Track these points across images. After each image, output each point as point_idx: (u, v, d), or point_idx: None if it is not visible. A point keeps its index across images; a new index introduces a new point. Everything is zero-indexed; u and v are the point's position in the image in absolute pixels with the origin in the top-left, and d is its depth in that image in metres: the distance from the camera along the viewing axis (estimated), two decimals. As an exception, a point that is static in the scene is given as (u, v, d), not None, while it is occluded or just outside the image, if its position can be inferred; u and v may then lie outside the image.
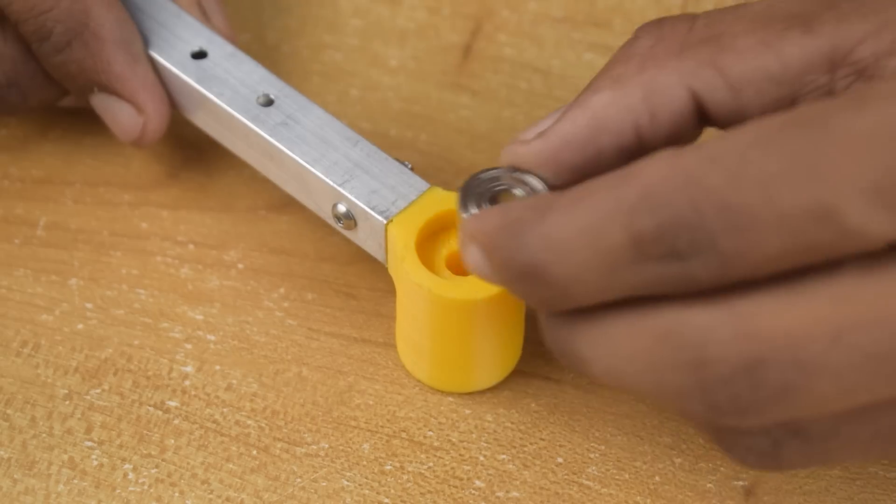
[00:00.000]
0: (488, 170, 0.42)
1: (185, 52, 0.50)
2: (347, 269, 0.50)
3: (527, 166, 0.41)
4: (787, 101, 0.39)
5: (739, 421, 0.36)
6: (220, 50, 0.50)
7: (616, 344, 0.37)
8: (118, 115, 0.50)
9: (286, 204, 0.51)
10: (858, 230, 0.34)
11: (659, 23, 0.40)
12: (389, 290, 0.49)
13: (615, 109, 0.39)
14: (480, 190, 0.42)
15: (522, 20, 0.56)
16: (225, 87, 0.49)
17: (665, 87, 0.39)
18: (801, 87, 0.39)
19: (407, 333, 0.46)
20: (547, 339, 0.39)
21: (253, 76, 0.49)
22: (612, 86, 0.40)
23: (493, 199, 0.42)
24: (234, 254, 0.51)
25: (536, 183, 0.41)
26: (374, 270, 0.50)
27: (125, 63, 0.49)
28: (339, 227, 0.47)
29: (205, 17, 0.52)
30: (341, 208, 0.46)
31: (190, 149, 0.53)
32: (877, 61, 0.38)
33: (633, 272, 0.36)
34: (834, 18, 0.38)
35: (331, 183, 0.46)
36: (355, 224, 0.46)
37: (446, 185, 0.52)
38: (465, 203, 0.42)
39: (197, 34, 0.50)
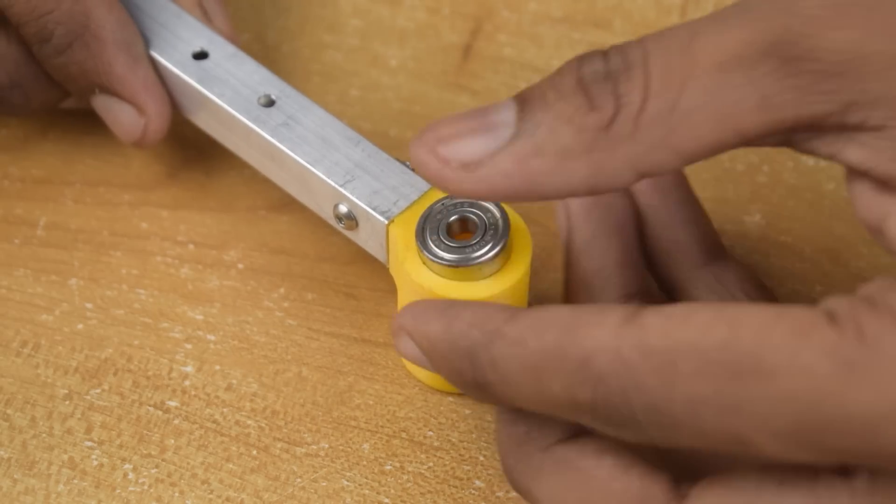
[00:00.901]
0: (444, 199, 0.45)
1: (187, 53, 0.50)
2: (347, 269, 0.50)
3: (451, 193, 0.40)
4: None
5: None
6: (222, 50, 0.50)
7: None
8: (119, 116, 0.50)
9: (286, 204, 0.51)
10: (774, 458, 0.35)
11: (615, 87, 0.39)
12: (389, 290, 0.49)
13: (554, 183, 0.38)
14: (437, 219, 0.44)
15: (522, 20, 0.56)
16: (226, 87, 0.49)
17: (612, 170, 0.38)
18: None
19: None
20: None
21: (254, 77, 0.49)
22: (556, 158, 0.38)
23: (449, 227, 0.44)
24: (234, 254, 0.51)
25: (492, 207, 0.44)
26: (374, 270, 0.50)
27: (126, 64, 0.49)
28: (340, 227, 0.47)
29: (206, 18, 0.52)
30: (342, 209, 0.46)
31: (190, 149, 0.53)
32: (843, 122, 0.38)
33: (567, 414, 0.37)
34: (795, 93, 0.37)
35: (332, 183, 0.46)
36: (356, 224, 0.46)
37: (446, 185, 0.52)
38: (422, 236, 0.44)
39: (198, 35, 0.50)
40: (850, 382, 0.33)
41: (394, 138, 0.53)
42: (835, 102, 0.36)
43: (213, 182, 0.52)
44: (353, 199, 0.46)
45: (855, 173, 0.38)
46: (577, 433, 0.40)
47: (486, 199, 0.39)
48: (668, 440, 0.36)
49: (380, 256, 0.47)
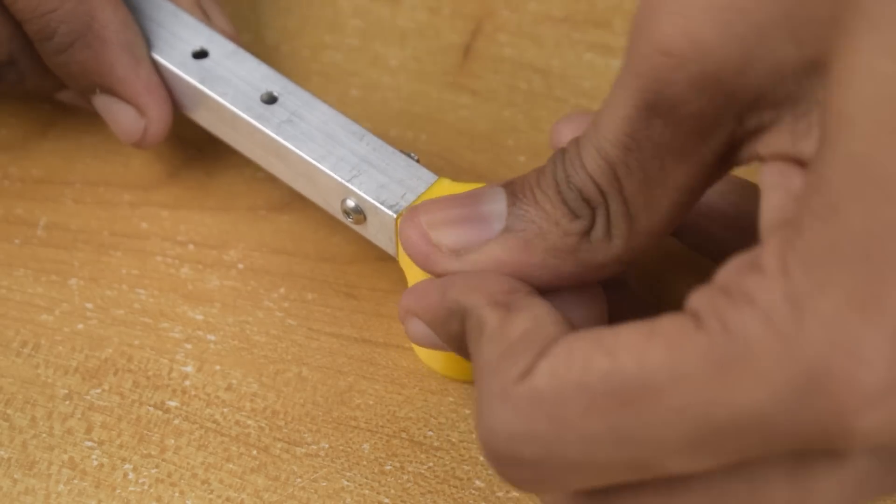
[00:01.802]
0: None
1: (186, 52, 0.50)
2: (347, 269, 0.50)
3: (432, 274, 0.42)
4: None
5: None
6: (221, 48, 0.50)
7: None
8: (120, 117, 0.50)
9: (286, 204, 0.51)
10: (681, 472, 0.35)
11: (587, 201, 0.40)
12: (389, 290, 0.49)
13: (542, 276, 0.41)
14: None
15: (522, 20, 0.56)
16: (228, 86, 0.49)
17: (597, 266, 0.40)
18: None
19: None
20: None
21: (255, 74, 0.49)
22: (545, 255, 0.40)
23: None
24: (234, 254, 0.51)
25: None
26: (375, 270, 0.50)
27: (128, 66, 0.49)
28: (348, 221, 0.47)
29: (206, 18, 0.52)
30: (350, 203, 0.46)
31: (190, 148, 0.53)
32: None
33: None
34: (688, 134, 0.38)
35: (339, 179, 0.46)
36: (365, 219, 0.46)
37: (446, 185, 0.52)
38: None
39: (197, 33, 0.50)
40: (729, 381, 0.33)
41: (394, 138, 0.53)
42: (725, 131, 0.37)
43: (213, 182, 0.52)
44: (361, 193, 0.46)
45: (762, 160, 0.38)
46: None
47: None
48: (567, 484, 0.36)
49: (389, 249, 0.47)
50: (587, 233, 0.40)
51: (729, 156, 0.38)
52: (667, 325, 0.34)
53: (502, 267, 0.40)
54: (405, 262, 0.46)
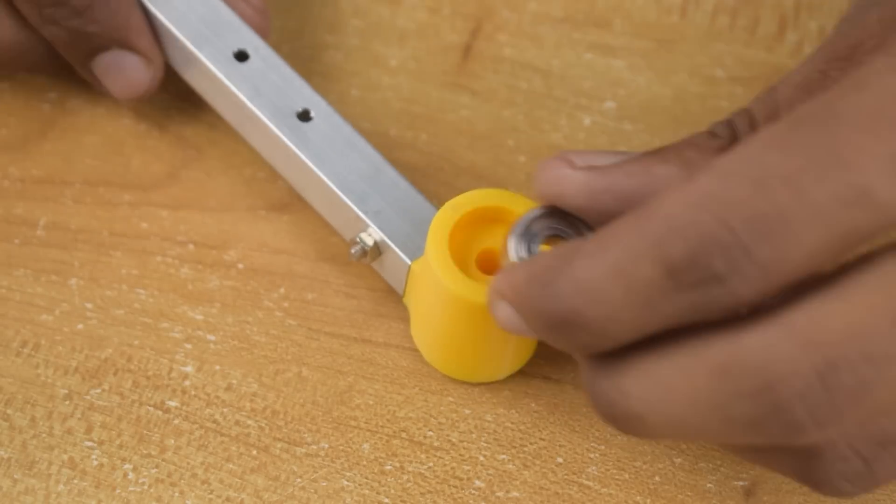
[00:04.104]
0: (532, 212, 0.42)
1: (228, 53, 0.50)
2: (347, 269, 0.50)
3: (563, 192, 0.40)
4: None
5: (820, 433, 0.35)
6: (261, 54, 0.50)
7: (671, 389, 0.36)
8: (129, 70, 0.51)
9: (286, 204, 0.51)
10: (892, 204, 0.34)
11: (730, 123, 0.41)
12: (389, 290, 0.49)
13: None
14: (532, 232, 0.42)
15: (522, 20, 0.56)
16: (263, 96, 0.49)
17: None
18: None
19: (429, 330, 0.47)
20: (595, 401, 0.38)
21: (291, 86, 0.49)
22: (680, 166, 0.40)
23: (546, 242, 0.42)
24: (234, 254, 0.51)
25: (585, 229, 0.41)
26: (375, 271, 0.50)
27: (141, 17, 0.51)
28: (355, 252, 0.47)
29: None
30: (367, 239, 0.47)
31: (190, 149, 0.53)
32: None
33: (672, 303, 0.35)
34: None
35: (361, 215, 0.47)
36: (379, 254, 0.47)
37: (447, 185, 0.52)
38: (516, 247, 0.42)
39: (239, 36, 0.50)
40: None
41: (394, 138, 0.53)
42: None
43: (213, 182, 0.52)
44: (381, 234, 0.47)
45: None
46: None
47: (604, 200, 0.40)
48: (784, 252, 0.34)
49: (397, 288, 0.48)
50: (724, 148, 0.39)
51: None
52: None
53: (637, 177, 0.39)
54: (410, 300, 0.46)
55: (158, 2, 0.51)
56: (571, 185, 0.40)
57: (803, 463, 0.38)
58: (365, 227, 0.47)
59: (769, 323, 0.35)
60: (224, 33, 0.50)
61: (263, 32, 0.52)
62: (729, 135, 0.41)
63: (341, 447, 0.46)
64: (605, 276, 0.36)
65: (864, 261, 0.35)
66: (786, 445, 0.37)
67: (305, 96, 0.49)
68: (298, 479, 0.46)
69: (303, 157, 0.48)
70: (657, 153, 0.41)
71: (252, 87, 0.49)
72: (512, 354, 0.46)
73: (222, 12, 0.51)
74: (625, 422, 0.37)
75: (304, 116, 0.49)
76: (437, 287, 0.44)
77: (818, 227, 0.34)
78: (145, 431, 0.47)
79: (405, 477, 0.46)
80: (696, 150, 0.40)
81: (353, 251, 0.47)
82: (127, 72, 0.51)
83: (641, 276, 0.35)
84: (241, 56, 0.50)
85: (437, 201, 0.47)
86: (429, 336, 0.47)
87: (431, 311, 0.46)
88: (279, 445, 0.46)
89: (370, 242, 0.47)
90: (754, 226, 0.34)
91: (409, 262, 0.46)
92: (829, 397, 0.34)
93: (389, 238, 0.46)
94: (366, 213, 0.47)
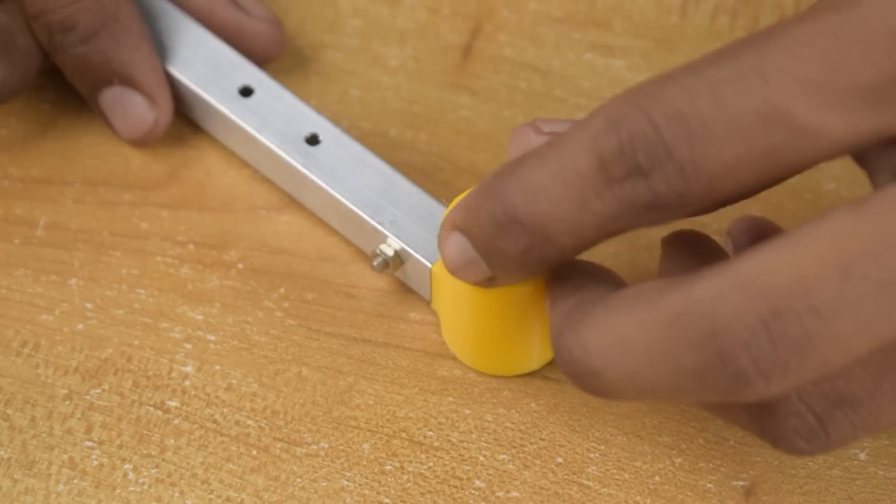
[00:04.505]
0: None
1: (232, 90, 0.51)
2: (347, 269, 0.50)
3: None
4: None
5: (767, 387, 0.35)
6: (265, 86, 0.51)
7: (626, 341, 0.37)
8: (132, 108, 0.50)
9: (286, 204, 0.51)
10: (812, 130, 0.35)
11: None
12: (389, 290, 0.49)
13: None
14: None
15: (522, 20, 0.56)
16: (270, 126, 0.50)
17: None
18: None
19: (459, 328, 0.47)
20: (560, 358, 0.38)
21: (297, 112, 0.50)
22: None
23: None
24: (234, 254, 0.51)
25: None
26: (378, 274, 0.50)
27: (148, 55, 0.50)
28: (377, 263, 0.47)
29: (242, 11, 0.52)
30: (387, 250, 0.47)
31: (190, 149, 0.53)
32: None
33: (604, 200, 0.37)
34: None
35: (378, 227, 0.47)
36: (402, 263, 0.48)
37: (446, 185, 0.52)
38: None
39: (242, 71, 0.51)
40: None
41: (394, 138, 0.53)
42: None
43: (213, 182, 0.52)
44: (399, 242, 0.47)
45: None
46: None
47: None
48: (700, 156, 0.36)
49: (423, 294, 0.48)
50: None
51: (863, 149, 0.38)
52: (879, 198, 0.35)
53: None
54: (439, 306, 0.46)
55: (162, 49, 0.51)
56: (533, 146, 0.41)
57: (760, 418, 0.38)
58: (384, 238, 0.47)
59: (720, 273, 0.35)
60: (227, 72, 0.51)
61: (279, 45, 0.52)
62: None
63: (341, 447, 0.46)
64: (548, 173, 0.37)
65: (819, 215, 0.35)
66: (738, 402, 0.37)
67: (312, 121, 0.50)
68: (298, 479, 0.46)
69: (316, 180, 0.49)
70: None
71: (259, 119, 0.50)
72: (539, 338, 0.46)
73: (224, 52, 0.52)
74: (586, 378, 0.38)
75: (313, 141, 0.50)
76: (457, 282, 0.44)
77: (735, 138, 0.35)
78: (145, 431, 0.47)
79: (405, 477, 0.46)
80: None
81: (375, 263, 0.47)
82: (130, 110, 0.51)
83: (578, 169, 0.37)
84: (246, 91, 0.51)
85: (439, 202, 0.48)
86: (459, 334, 0.47)
87: (457, 308, 0.46)
88: (279, 445, 0.46)
89: (390, 252, 0.47)
90: (676, 125, 0.35)
91: (429, 265, 0.46)
92: (773, 347, 0.35)
93: (408, 245, 0.47)
94: (382, 224, 0.47)
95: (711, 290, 0.35)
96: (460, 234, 0.41)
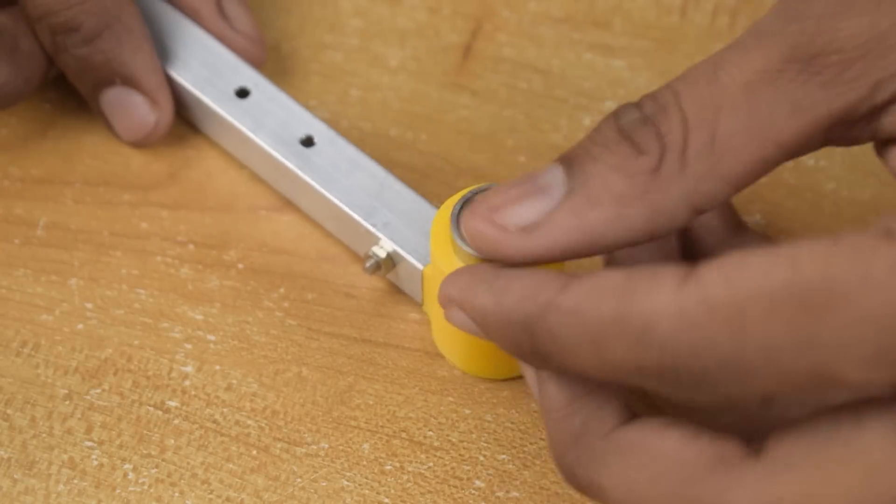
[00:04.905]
0: (479, 188, 0.44)
1: (229, 92, 0.51)
2: (347, 269, 0.50)
3: (503, 256, 0.40)
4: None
5: None
6: (261, 88, 0.51)
7: (641, 493, 0.38)
8: (133, 109, 0.50)
9: (286, 204, 0.51)
10: (857, 386, 0.34)
11: (657, 129, 0.39)
12: (389, 290, 0.49)
13: (615, 231, 0.39)
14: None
15: (522, 20, 0.56)
16: (266, 128, 0.50)
17: (668, 210, 0.39)
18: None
19: (447, 330, 0.47)
20: (568, 482, 0.40)
21: (293, 115, 0.50)
22: (613, 205, 0.39)
23: None
24: (234, 254, 0.51)
25: None
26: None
27: (150, 57, 0.50)
28: (370, 266, 0.47)
29: (228, 23, 0.52)
30: (379, 252, 0.47)
31: (190, 149, 0.53)
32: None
33: (632, 380, 0.37)
34: (823, 89, 0.38)
35: (371, 228, 0.48)
36: (393, 266, 0.48)
37: (447, 185, 0.52)
38: (457, 224, 0.44)
39: (239, 73, 0.51)
40: None
41: (394, 138, 0.53)
42: (863, 87, 0.37)
43: (213, 182, 0.52)
44: (392, 244, 0.47)
45: (890, 142, 0.38)
46: (634, 415, 0.39)
47: (545, 262, 0.39)
48: (744, 392, 0.35)
49: (414, 296, 0.48)
50: (656, 169, 0.39)
51: (843, 126, 0.38)
52: (854, 238, 0.34)
53: (574, 232, 0.39)
54: (430, 309, 0.46)
55: (159, 50, 0.51)
56: (509, 250, 0.40)
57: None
58: (376, 240, 0.47)
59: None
60: (224, 73, 0.51)
61: (259, 61, 0.52)
62: (657, 149, 0.39)
63: (341, 447, 0.46)
64: (579, 341, 0.37)
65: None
66: None
67: (307, 123, 0.50)
68: (298, 479, 0.46)
69: (310, 181, 0.49)
70: (586, 193, 0.39)
71: (255, 121, 0.50)
72: None
73: (220, 53, 0.52)
74: (595, 499, 0.39)
75: (308, 143, 0.50)
76: None
77: (780, 384, 0.35)
78: (145, 431, 0.47)
79: (405, 477, 0.46)
80: (623, 175, 0.39)
81: (367, 265, 0.47)
82: (131, 111, 0.51)
83: (613, 357, 0.36)
84: (242, 93, 0.51)
85: (438, 202, 0.47)
86: (448, 337, 0.47)
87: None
88: (279, 445, 0.46)
89: (382, 254, 0.47)
90: (725, 370, 0.35)
91: (421, 267, 0.46)
92: None
93: (400, 247, 0.47)
94: (374, 225, 0.47)
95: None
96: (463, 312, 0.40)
